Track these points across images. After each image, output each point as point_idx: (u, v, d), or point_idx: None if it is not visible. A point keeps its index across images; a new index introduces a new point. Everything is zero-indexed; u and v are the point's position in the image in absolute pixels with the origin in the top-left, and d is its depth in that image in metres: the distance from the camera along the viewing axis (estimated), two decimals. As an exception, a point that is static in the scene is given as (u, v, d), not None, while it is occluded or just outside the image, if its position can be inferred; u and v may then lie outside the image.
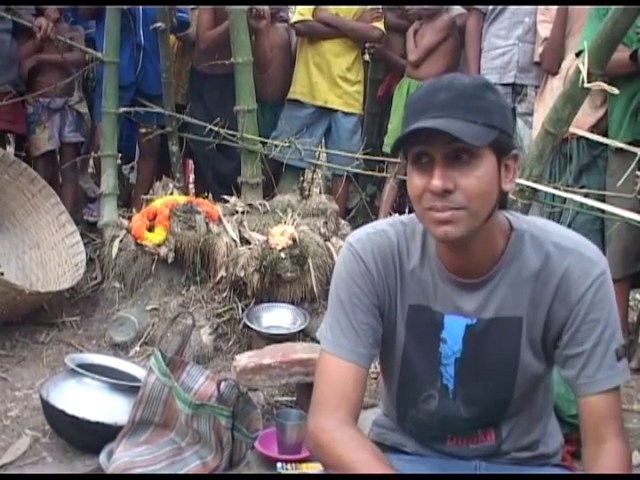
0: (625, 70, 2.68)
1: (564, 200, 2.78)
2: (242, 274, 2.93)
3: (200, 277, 3.11)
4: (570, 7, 3.10)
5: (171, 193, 3.48)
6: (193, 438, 1.99)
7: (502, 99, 1.17)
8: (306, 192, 4.54)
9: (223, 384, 2.02)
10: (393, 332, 1.28)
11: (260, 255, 2.91)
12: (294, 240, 2.93)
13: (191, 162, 4.56)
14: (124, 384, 2.19)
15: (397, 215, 3.84)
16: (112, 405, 2.12)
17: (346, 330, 1.25)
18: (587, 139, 2.94)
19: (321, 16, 3.89)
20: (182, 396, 1.97)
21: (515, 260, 1.22)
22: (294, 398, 2.49)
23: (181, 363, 2.08)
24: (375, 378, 2.46)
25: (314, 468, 1.94)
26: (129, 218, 3.33)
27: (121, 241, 3.22)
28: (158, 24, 3.67)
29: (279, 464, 2.05)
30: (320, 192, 4.63)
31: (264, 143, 3.62)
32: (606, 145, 2.89)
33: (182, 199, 3.25)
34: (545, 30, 3.23)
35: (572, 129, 2.61)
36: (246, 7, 3.54)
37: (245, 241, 3.12)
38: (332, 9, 3.91)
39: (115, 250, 3.18)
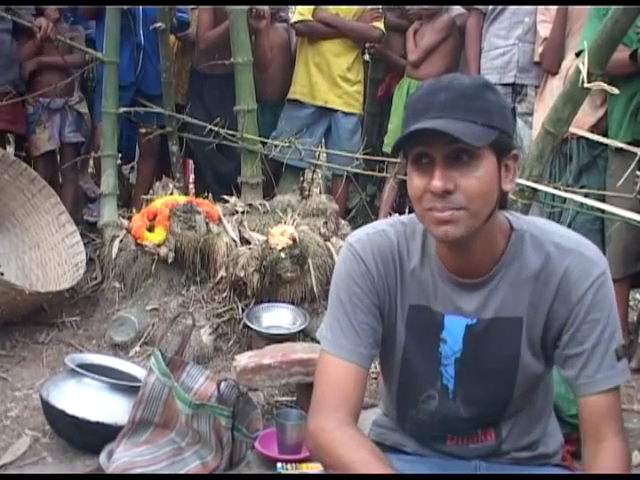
0: (625, 70, 2.68)
1: (564, 200, 2.78)
2: (242, 274, 2.93)
3: (200, 277, 3.11)
4: (570, 7, 3.10)
5: (171, 193, 3.49)
6: (193, 438, 1.99)
7: (502, 99, 1.17)
8: (306, 192, 4.54)
9: (223, 384, 2.02)
10: (393, 332, 1.28)
11: (260, 255, 2.91)
12: (294, 240, 2.93)
13: (191, 162, 4.56)
14: (124, 384, 2.19)
15: (397, 215, 3.85)
16: (112, 405, 2.12)
17: (346, 330, 1.25)
18: (587, 139, 2.94)
19: (321, 16, 3.89)
20: (182, 396, 1.97)
21: (515, 260, 1.22)
22: (294, 398, 2.49)
23: (181, 363, 2.08)
24: (375, 378, 2.46)
25: (314, 468, 1.95)
26: (129, 218, 3.33)
27: (121, 241, 3.22)
28: (158, 24, 3.67)
29: (279, 464, 2.05)
30: (320, 192, 4.63)
31: (264, 143, 3.62)
32: (606, 145, 2.89)
33: (182, 199, 3.25)
34: (545, 30, 3.23)
35: (572, 129, 2.61)
36: (246, 7, 3.54)
37: (245, 241, 3.12)
38: (332, 9, 3.91)
39: (115, 250, 3.18)
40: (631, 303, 3.45)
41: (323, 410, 1.22)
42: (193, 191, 4.41)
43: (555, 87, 3.12)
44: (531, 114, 3.38)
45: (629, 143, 2.73)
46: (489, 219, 1.16)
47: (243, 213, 3.33)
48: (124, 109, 3.65)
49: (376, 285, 1.26)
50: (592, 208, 2.66)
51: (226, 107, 3.61)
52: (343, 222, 3.50)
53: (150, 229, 3.14)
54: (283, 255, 2.89)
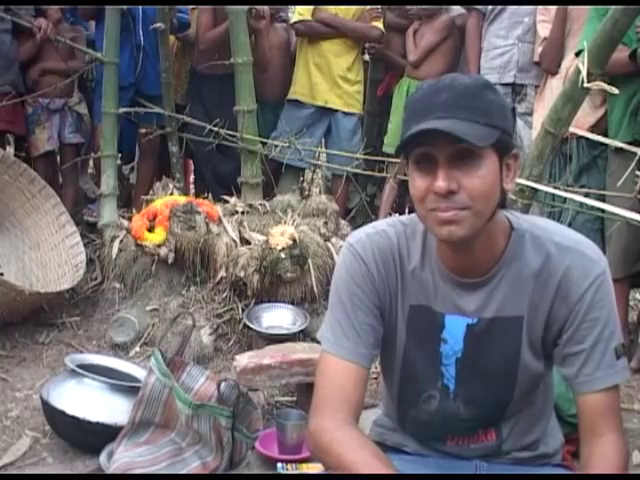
0: (625, 70, 2.68)
1: (564, 200, 2.78)
2: (242, 274, 2.93)
3: (200, 277, 3.11)
4: (570, 7, 3.10)
5: (171, 193, 3.49)
6: (193, 438, 1.99)
7: (502, 99, 1.18)
8: (306, 192, 4.54)
9: (223, 384, 2.02)
10: (394, 332, 1.28)
11: (260, 255, 2.91)
12: (294, 240, 2.93)
13: (191, 162, 4.56)
14: (124, 384, 2.19)
15: (397, 215, 3.86)
16: (112, 405, 2.12)
17: (347, 331, 1.25)
18: (587, 139, 2.94)
19: (320, 16, 3.89)
20: (182, 396, 1.97)
21: (516, 259, 1.22)
22: (294, 398, 2.49)
23: (181, 363, 2.08)
24: (375, 378, 2.46)
25: (315, 468, 1.95)
26: (129, 218, 3.33)
27: (121, 241, 3.22)
28: (158, 24, 3.67)
29: (279, 464, 2.05)
30: (320, 192, 4.63)
31: (264, 143, 3.62)
32: (606, 145, 2.89)
33: (182, 199, 3.25)
34: (545, 30, 3.23)
35: (572, 129, 2.62)
36: (246, 7, 3.54)
37: (245, 241, 3.12)
38: (331, 9, 3.91)
39: (115, 251, 3.19)
40: (631, 303, 3.45)
41: (324, 410, 1.22)
42: (193, 191, 4.41)
43: (555, 87, 3.12)
44: (531, 114, 3.38)
45: (629, 143, 2.73)
46: (491, 218, 1.16)
47: (243, 213, 3.33)
48: (124, 109, 3.65)
49: (376, 285, 1.26)
50: (592, 208, 2.66)
51: (226, 107, 3.61)
52: (343, 222, 3.50)
53: (150, 229, 3.14)
54: (283, 255, 2.89)
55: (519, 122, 3.42)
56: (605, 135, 2.89)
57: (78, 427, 2.06)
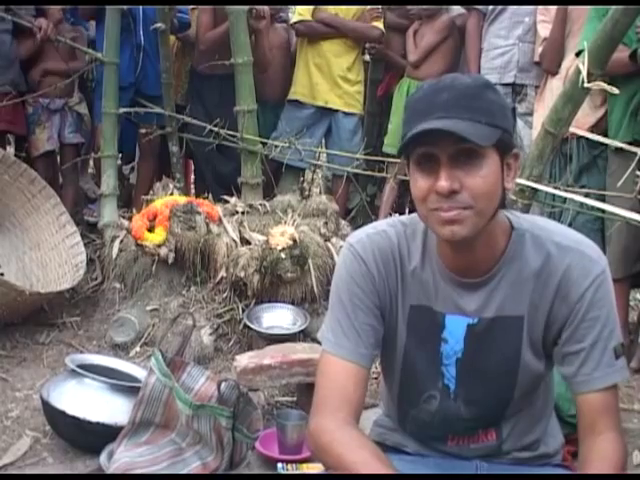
0: (625, 70, 2.68)
1: (564, 200, 2.78)
2: (242, 274, 2.93)
3: (200, 277, 3.11)
4: (570, 7, 3.10)
5: (171, 193, 3.49)
6: (194, 439, 1.99)
7: (502, 99, 1.18)
8: (306, 192, 4.54)
9: (223, 385, 2.02)
10: (394, 332, 1.28)
11: (260, 255, 2.91)
12: (294, 240, 2.93)
13: (192, 162, 4.56)
14: (124, 385, 2.19)
15: (397, 215, 3.85)
16: (112, 406, 2.12)
17: (347, 331, 1.25)
18: (587, 139, 2.94)
19: (320, 16, 3.89)
20: (182, 397, 1.97)
21: (516, 259, 1.22)
22: (295, 398, 2.49)
23: (181, 364, 2.08)
24: (376, 378, 2.46)
25: (315, 468, 1.95)
26: (129, 219, 3.33)
27: (121, 242, 3.22)
28: (158, 25, 3.67)
29: (280, 464, 2.05)
30: (320, 192, 4.63)
31: (264, 143, 3.62)
32: (606, 145, 2.89)
33: (182, 199, 3.25)
34: (545, 30, 3.23)
35: (572, 129, 2.62)
36: (246, 7, 3.54)
37: (245, 241, 3.12)
38: (331, 9, 3.91)
39: (115, 251, 3.19)
40: (631, 303, 3.45)
41: (324, 410, 1.22)
42: (193, 191, 4.42)
43: (555, 87, 3.12)
44: (531, 114, 3.38)
45: (629, 143, 2.73)
46: (493, 218, 1.17)
47: (243, 213, 3.33)
48: (124, 109, 3.65)
49: (377, 285, 1.26)
50: (592, 208, 2.66)
51: (226, 107, 3.61)
52: (343, 222, 3.50)
53: (150, 229, 3.14)
54: (283, 255, 2.89)
55: (519, 122, 3.42)
56: (605, 135, 2.89)
57: (78, 427, 2.06)
